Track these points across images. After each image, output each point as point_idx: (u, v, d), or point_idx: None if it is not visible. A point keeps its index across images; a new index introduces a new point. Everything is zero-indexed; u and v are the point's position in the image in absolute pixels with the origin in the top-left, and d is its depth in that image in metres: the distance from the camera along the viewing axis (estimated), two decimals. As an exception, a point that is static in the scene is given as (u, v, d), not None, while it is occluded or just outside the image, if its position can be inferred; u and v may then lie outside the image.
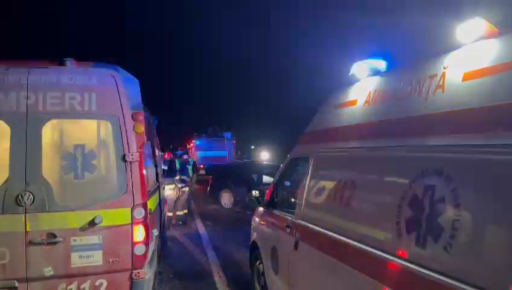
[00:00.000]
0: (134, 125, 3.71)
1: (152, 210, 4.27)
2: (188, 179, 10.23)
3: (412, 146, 2.43)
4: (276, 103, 42.54)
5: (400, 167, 2.50)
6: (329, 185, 3.39)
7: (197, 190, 16.82)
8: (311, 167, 3.80)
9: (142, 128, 3.74)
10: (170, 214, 9.70)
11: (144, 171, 3.87)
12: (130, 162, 3.68)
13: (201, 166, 22.56)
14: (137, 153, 3.71)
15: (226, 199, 13.03)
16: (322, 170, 3.66)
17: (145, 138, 3.83)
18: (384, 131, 2.81)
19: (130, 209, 3.65)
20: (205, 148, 24.93)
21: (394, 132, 2.68)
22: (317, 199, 3.59)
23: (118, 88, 3.70)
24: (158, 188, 5.67)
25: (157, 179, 5.78)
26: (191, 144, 28.07)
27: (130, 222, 3.64)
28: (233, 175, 13.36)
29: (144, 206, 3.73)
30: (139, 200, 3.67)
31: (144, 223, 3.70)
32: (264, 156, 26.86)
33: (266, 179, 12.26)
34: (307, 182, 3.80)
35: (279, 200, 4.75)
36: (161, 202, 6.00)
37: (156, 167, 5.80)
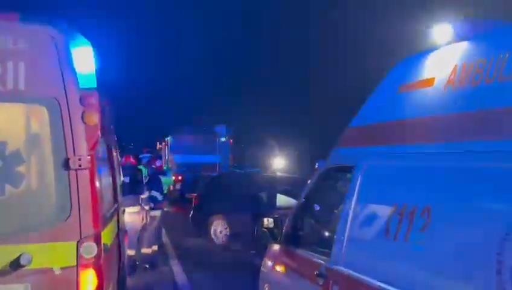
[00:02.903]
0: (83, 114, 3.75)
1: (108, 246, 4.30)
2: (160, 198, 10.28)
3: None
4: (299, 84, 42.82)
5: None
6: (388, 212, 3.38)
7: (173, 215, 16.95)
8: (358, 184, 3.81)
9: (95, 118, 3.78)
10: (132, 252, 9.74)
11: (98, 185, 3.93)
12: (77, 171, 3.73)
13: (179, 178, 22.70)
14: (88, 157, 3.77)
15: (218, 229, 13.07)
16: (376, 188, 3.67)
17: (99, 133, 3.87)
18: (483, 128, 2.80)
19: (75, 243, 3.71)
20: (186, 150, 25.08)
21: (500, 130, 2.68)
22: (369, 233, 3.59)
23: (59, 55, 3.74)
24: (117, 211, 5.73)
25: (115, 198, 5.82)
26: (164, 143, 28.24)
27: (75, 263, 3.69)
28: (229, 193, 13.39)
29: (97, 239, 3.79)
30: (89, 229, 3.74)
31: (96, 266, 3.76)
32: (279, 164, 26.88)
33: (282, 199, 12.24)
34: (352, 206, 3.81)
35: (305, 234, 4.79)
36: (120, 233, 6.05)
37: (114, 179, 5.87)
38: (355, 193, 3.82)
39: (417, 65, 3.62)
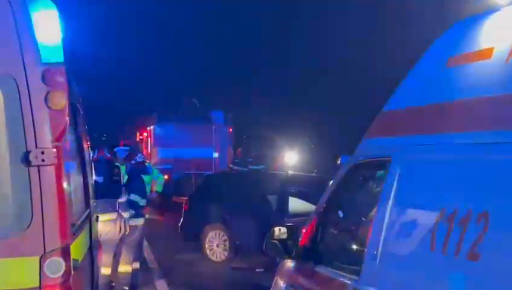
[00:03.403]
0: (47, 95, 3.75)
1: (79, 262, 4.33)
2: (142, 203, 10.31)
3: None
4: (315, 62, 42.77)
5: None
6: (433, 219, 3.39)
7: (158, 224, 16.98)
8: (395, 183, 3.83)
9: (62, 100, 3.78)
10: (108, 271, 9.78)
11: (66, 185, 3.94)
12: (39, 168, 3.74)
13: (166, 176, 22.74)
14: (53, 150, 3.78)
15: (216, 242, 13.14)
16: (419, 188, 3.68)
17: (67, 120, 3.88)
18: None
19: (37, 259, 3.73)
20: (173, 141, 25.13)
21: None
22: (409, 246, 3.61)
23: (16, 21, 3.74)
24: (89, 219, 5.75)
25: (86, 202, 5.85)
26: (146, 133, 28.30)
27: (38, 284, 3.72)
28: (229, 196, 13.44)
29: (65, 253, 3.81)
30: (55, 241, 3.76)
31: (64, 288, 3.78)
32: (291, 160, 26.91)
33: (296, 204, 12.28)
34: (387, 212, 3.83)
35: (327, 247, 4.82)
36: (93, 247, 6.08)
37: (85, 178, 5.88)
38: (391, 194, 3.84)
39: (471, 32, 3.62)
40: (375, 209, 4.09)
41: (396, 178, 3.83)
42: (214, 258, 13.02)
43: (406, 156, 3.83)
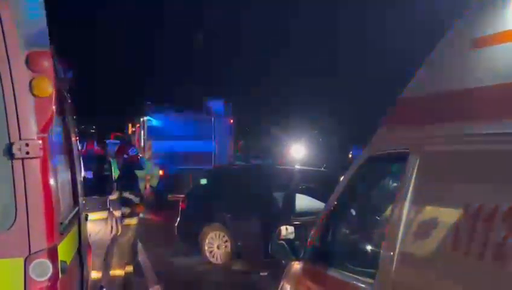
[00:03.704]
0: (32, 81, 3.74)
1: (67, 265, 4.32)
2: (136, 200, 10.31)
3: None
4: (326, 47, 42.76)
5: None
6: (456, 216, 3.39)
7: (153, 224, 16.99)
8: (414, 177, 3.82)
9: (48, 87, 3.78)
10: (98, 274, 9.78)
11: (53, 181, 3.92)
12: (23, 161, 3.73)
13: (161, 172, 22.79)
14: (39, 142, 3.76)
15: (216, 243, 13.18)
16: (440, 183, 3.68)
17: (54, 109, 3.88)
18: None
19: (21, 261, 3.71)
20: (169, 134, 25.16)
21: None
22: (429, 246, 3.60)
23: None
24: (78, 218, 5.74)
25: (75, 200, 5.84)
26: (139, 125, 28.32)
27: (22, 289, 3.71)
28: (230, 193, 13.47)
29: (52, 255, 3.80)
30: (41, 242, 3.74)
31: (52, 292, 3.76)
32: (298, 153, 26.92)
33: (304, 202, 12.29)
34: (405, 209, 3.82)
35: (339, 248, 4.84)
36: (82, 248, 6.08)
37: (73, 173, 5.88)
38: (410, 190, 3.83)
39: (499, 10, 3.59)
40: (391, 207, 4.07)
41: (415, 172, 3.82)
42: (214, 261, 13.06)
43: (425, 148, 3.82)
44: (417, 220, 3.76)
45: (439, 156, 3.72)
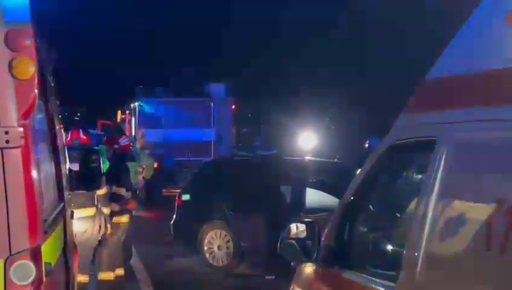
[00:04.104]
0: (12, 62, 3.76)
1: (52, 267, 4.33)
2: (127, 196, 10.32)
3: None
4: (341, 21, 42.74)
5: None
6: (490, 212, 3.37)
7: (146, 222, 17.00)
8: (442, 168, 3.80)
9: (30, 67, 3.79)
10: (85, 278, 9.82)
11: (35, 173, 3.93)
12: (3, 151, 3.75)
13: (155, 164, 22.85)
14: (20, 130, 3.78)
15: (216, 243, 13.21)
16: (472, 175, 3.67)
17: (36, 93, 3.89)
18: None
19: (1, 262, 3.74)
20: (163, 120, 25.20)
21: None
22: (459, 245, 3.60)
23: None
24: (63, 215, 5.76)
25: (59, 195, 5.86)
26: (130, 111, 28.34)
27: (2, 292, 3.72)
28: (233, 187, 13.49)
29: (35, 256, 3.81)
30: (23, 241, 3.76)
31: (34, 298, 3.77)
32: (308, 142, 26.91)
33: (316, 197, 12.30)
34: (432, 204, 3.81)
35: (356, 248, 4.82)
36: (68, 249, 6.10)
37: (57, 165, 5.88)
38: (437, 183, 3.81)
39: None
40: (416, 202, 4.07)
41: (443, 163, 3.81)
42: (214, 263, 13.10)
43: (455, 135, 3.81)
44: (445, 216, 3.74)
45: (470, 144, 3.70)
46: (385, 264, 4.40)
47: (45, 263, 4.00)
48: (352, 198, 4.92)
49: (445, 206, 3.77)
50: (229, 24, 47.18)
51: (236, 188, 13.34)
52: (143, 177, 13.30)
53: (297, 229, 5.10)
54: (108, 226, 10.01)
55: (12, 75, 3.76)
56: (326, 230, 5.05)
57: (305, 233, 5.04)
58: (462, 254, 3.54)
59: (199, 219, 13.42)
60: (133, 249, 12.93)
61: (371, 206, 5.12)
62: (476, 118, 3.70)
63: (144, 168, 13.12)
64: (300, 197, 12.44)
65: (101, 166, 10.42)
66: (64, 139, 8.58)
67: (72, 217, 7.22)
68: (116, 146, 10.83)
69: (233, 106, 26.96)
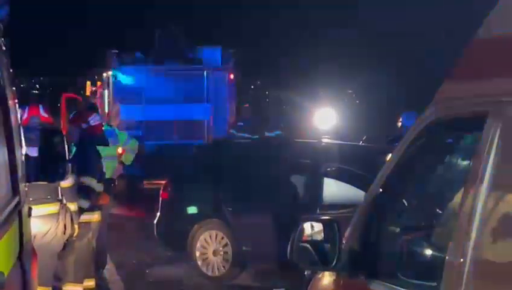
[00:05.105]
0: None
1: (5, 277, 4.40)
2: (99, 188, 10.36)
3: None
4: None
5: None
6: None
7: (123, 221, 17.08)
8: (495, 151, 3.79)
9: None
10: (47, 290, 9.89)
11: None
12: None
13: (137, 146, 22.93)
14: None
15: (212, 247, 13.30)
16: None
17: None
18: None
19: None
20: (144, 95, 25.22)
21: None
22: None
23: None
24: (18, 212, 5.79)
25: (14, 187, 5.89)
26: (102, 83, 28.37)
27: None
28: (231, 177, 13.56)
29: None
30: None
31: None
32: (325, 121, 26.94)
33: (336, 189, 12.33)
34: (481, 197, 3.81)
35: (386, 253, 4.88)
36: (24, 254, 6.12)
37: (11, 150, 5.93)
38: (488, 170, 3.80)
39: None
40: (461, 194, 4.06)
41: (496, 144, 3.80)
42: (208, 272, 13.19)
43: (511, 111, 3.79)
44: (498, 212, 3.72)
45: None
46: (422, 272, 4.41)
47: None
48: (381, 190, 4.92)
49: (499, 199, 3.75)
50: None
51: (236, 179, 13.40)
52: (122, 162, 13.29)
53: (312, 229, 5.11)
54: (76, 226, 10.04)
55: None
56: (348, 230, 5.06)
57: (322, 234, 5.05)
58: None
59: (189, 216, 13.49)
60: (107, 255, 13.01)
61: (404, 201, 5.12)
62: None
63: (124, 152, 13.11)
64: (316, 189, 12.45)
65: (66, 151, 10.48)
66: (19, 118, 8.61)
67: (29, 214, 7.24)
68: (84, 126, 10.82)
69: (231, 76, 26.72)
